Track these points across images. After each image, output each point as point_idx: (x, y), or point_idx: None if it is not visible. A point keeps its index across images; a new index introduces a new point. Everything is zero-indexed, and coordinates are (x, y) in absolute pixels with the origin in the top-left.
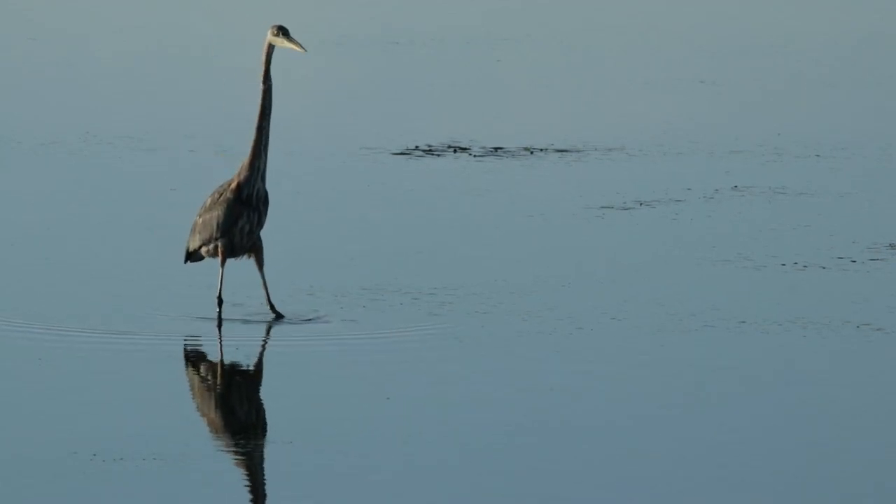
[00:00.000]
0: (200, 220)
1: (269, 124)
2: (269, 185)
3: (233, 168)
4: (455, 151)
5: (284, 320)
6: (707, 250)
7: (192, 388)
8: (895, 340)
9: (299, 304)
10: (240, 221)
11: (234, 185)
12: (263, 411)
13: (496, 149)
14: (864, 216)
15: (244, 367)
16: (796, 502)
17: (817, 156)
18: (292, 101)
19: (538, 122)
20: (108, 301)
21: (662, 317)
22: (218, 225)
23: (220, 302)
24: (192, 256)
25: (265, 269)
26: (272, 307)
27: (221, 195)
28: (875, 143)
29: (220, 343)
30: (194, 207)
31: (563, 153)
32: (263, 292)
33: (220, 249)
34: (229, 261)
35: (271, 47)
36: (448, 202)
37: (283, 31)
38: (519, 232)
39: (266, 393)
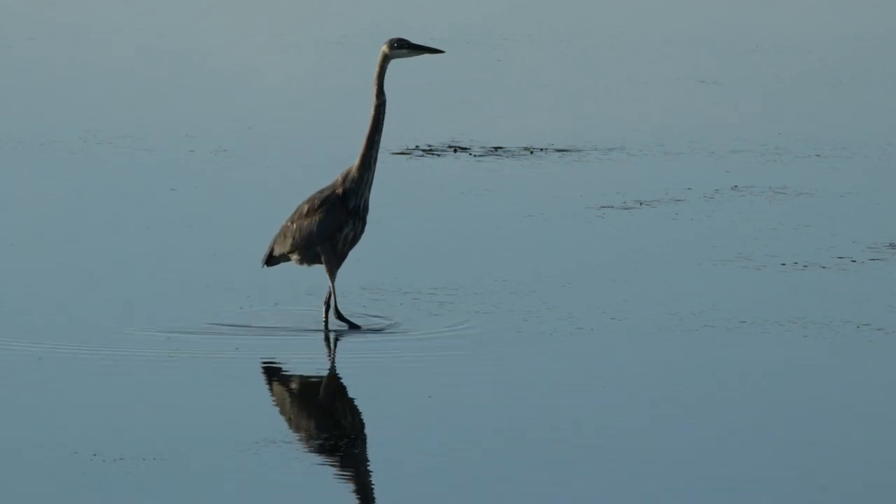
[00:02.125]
0: (294, 225)
1: (380, 138)
2: (268, 185)
3: (233, 167)
4: (455, 151)
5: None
6: (707, 250)
7: (202, 390)
8: (895, 340)
9: (300, 305)
10: (344, 229)
11: (339, 191)
12: (269, 412)
13: (496, 149)
14: (864, 216)
15: (254, 370)
16: (796, 502)
17: (818, 155)
18: (292, 101)
19: (538, 122)
20: (107, 301)
21: (662, 317)
22: (320, 231)
23: (340, 316)
24: (274, 261)
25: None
26: (330, 311)
27: (324, 202)
28: (875, 142)
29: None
30: (195, 207)
31: (563, 153)
32: (332, 298)
33: (324, 258)
34: (303, 267)
35: (386, 62)
36: (448, 202)
37: (403, 44)
38: (519, 232)
39: (269, 394)
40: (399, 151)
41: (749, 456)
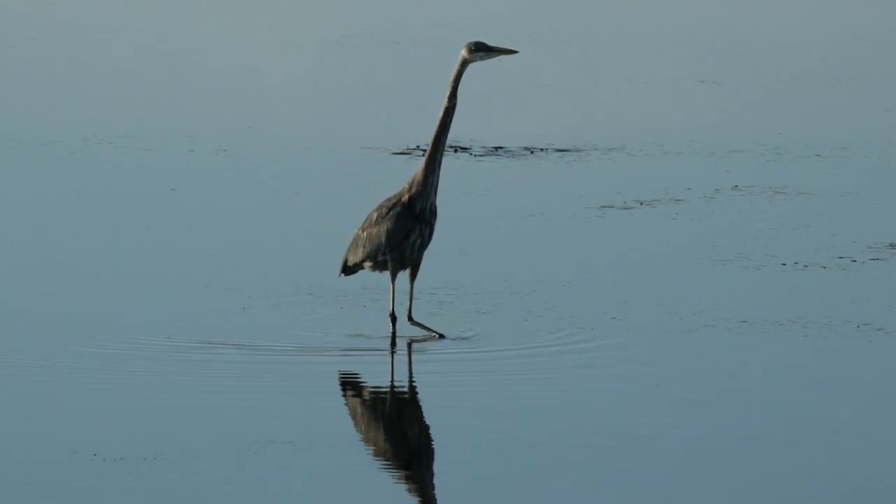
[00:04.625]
0: (364, 233)
1: (446, 140)
2: (268, 185)
3: (233, 167)
4: (455, 151)
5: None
6: (707, 250)
7: (213, 393)
8: (895, 340)
9: (301, 306)
10: (412, 236)
11: (405, 198)
12: (271, 415)
13: (496, 149)
14: (865, 216)
15: (255, 370)
16: (796, 502)
17: (818, 155)
18: (293, 101)
19: (538, 122)
20: (106, 301)
21: (662, 317)
22: (388, 239)
23: (394, 319)
24: (350, 270)
25: (416, 281)
26: (410, 318)
27: (391, 209)
28: (875, 142)
29: (392, 360)
30: (195, 207)
31: (563, 153)
32: (408, 303)
33: (389, 265)
34: (380, 274)
35: (465, 66)
36: (448, 202)
37: (481, 47)
38: (519, 232)
39: (273, 395)
40: (399, 151)
41: (749, 456)
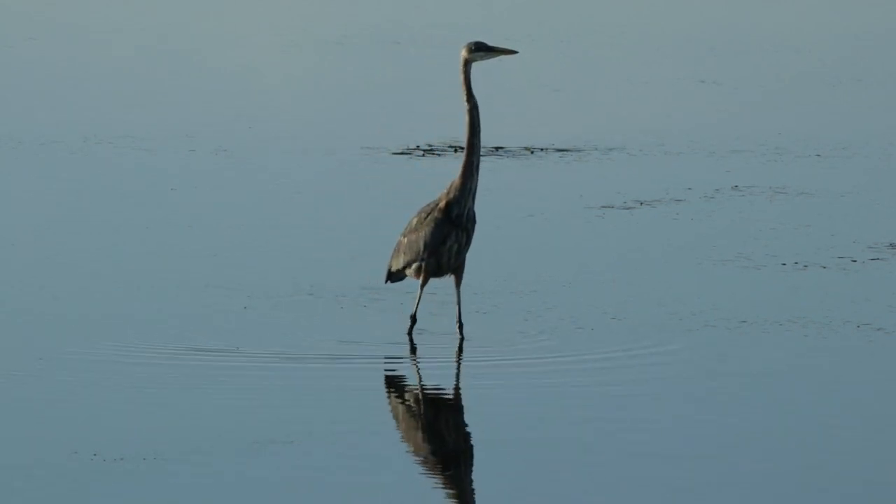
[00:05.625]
0: (406, 239)
1: (479, 142)
2: (268, 185)
3: (233, 167)
4: (455, 151)
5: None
6: (707, 250)
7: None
8: (895, 340)
9: (301, 306)
10: (448, 241)
11: (442, 204)
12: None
13: (496, 149)
14: (865, 216)
15: (254, 369)
16: (796, 502)
17: (818, 155)
18: (293, 101)
19: (538, 122)
20: (106, 301)
21: (662, 317)
22: (425, 244)
23: (414, 321)
24: (394, 277)
25: (461, 287)
26: (461, 327)
27: (429, 214)
28: (876, 142)
29: (418, 366)
30: (195, 207)
31: (563, 153)
32: (455, 310)
33: (423, 269)
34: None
35: (468, 66)
36: None
37: (481, 47)
38: (519, 232)
39: (269, 396)
40: (399, 151)
41: (749, 456)
